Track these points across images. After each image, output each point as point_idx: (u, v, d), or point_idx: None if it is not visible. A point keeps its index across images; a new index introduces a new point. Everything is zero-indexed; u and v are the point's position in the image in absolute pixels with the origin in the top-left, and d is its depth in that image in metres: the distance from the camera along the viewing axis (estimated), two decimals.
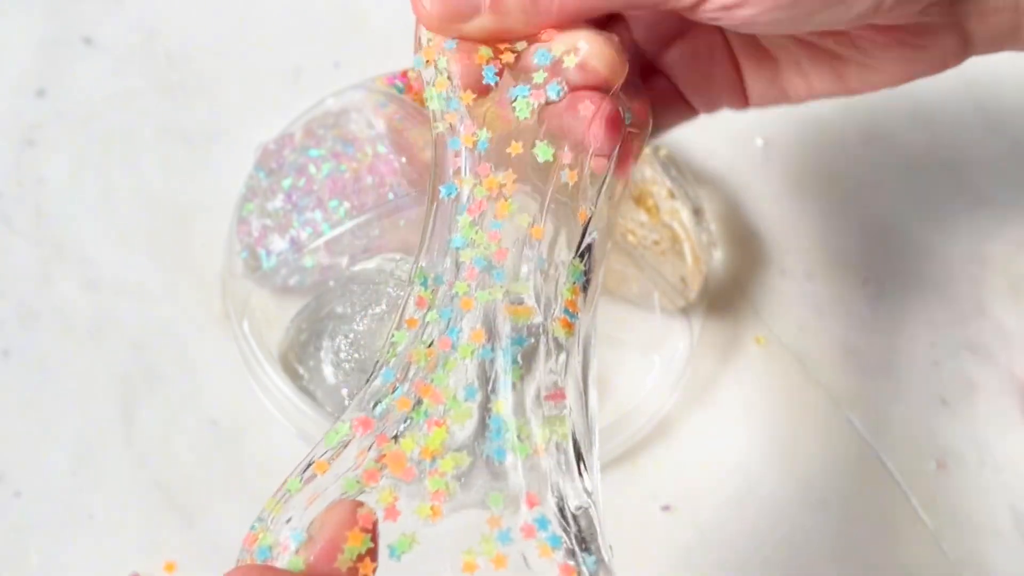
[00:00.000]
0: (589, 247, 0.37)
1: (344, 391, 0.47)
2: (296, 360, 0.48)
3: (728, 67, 0.40)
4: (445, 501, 0.31)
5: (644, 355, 0.51)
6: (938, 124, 0.59)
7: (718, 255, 0.53)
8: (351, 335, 0.47)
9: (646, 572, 0.46)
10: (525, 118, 0.35)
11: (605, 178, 0.37)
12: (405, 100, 0.50)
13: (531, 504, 0.32)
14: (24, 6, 0.58)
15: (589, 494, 0.33)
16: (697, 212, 0.52)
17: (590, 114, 0.35)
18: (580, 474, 0.34)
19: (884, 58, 0.37)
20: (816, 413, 0.50)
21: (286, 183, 0.49)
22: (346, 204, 0.48)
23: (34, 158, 0.54)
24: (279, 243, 0.48)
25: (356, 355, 0.47)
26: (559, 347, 0.35)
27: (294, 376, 0.48)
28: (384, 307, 0.46)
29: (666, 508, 0.48)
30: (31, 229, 0.52)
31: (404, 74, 0.51)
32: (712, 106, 0.41)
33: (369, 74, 0.52)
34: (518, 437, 0.33)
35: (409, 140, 0.49)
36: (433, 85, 0.36)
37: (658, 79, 0.41)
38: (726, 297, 0.53)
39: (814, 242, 0.55)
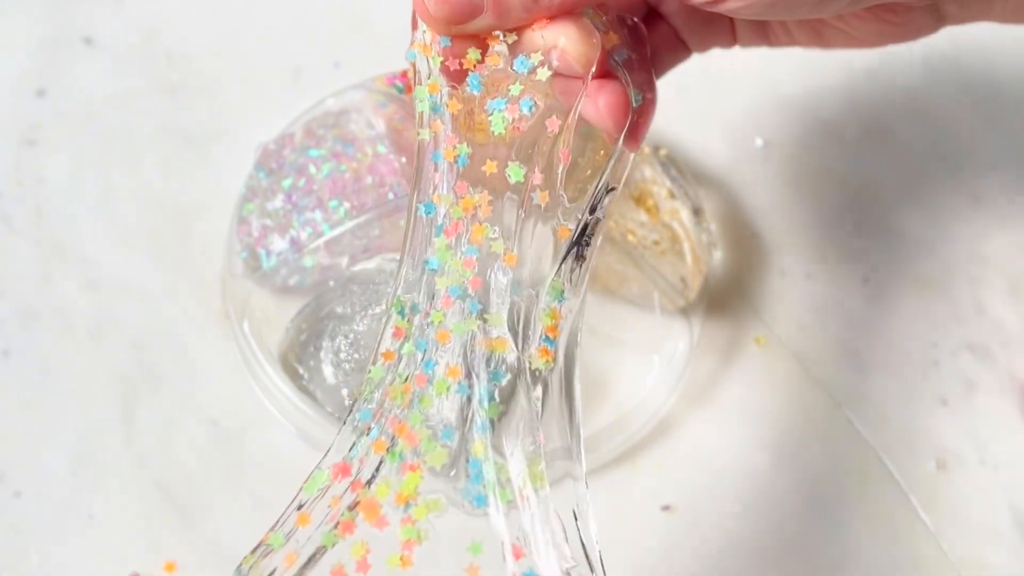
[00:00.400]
0: (578, 247, 0.36)
1: (344, 391, 0.47)
2: (296, 360, 0.48)
3: (723, 16, 0.42)
4: (416, 550, 0.31)
5: (644, 355, 0.51)
6: (938, 123, 0.59)
7: (718, 255, 0.53)
8: (351, 335, 0.47)
9: (646, 572, 0.46)
10: (500, 133, 0.34)
11: (597, 184, 0.36)
12: (405, 100, 0.50)
13: (517, 555, 0.31)
14: (24, 6, 0.58)
15: (584, 546, 0.32)
16: (697, 212, 0.52)
17: (556, 128, 0.34)
18: (575, 521, 0.32)
19: (862, 28, 0.40)
20: (816, 413, 0.50)
21: (286, 183, 0.49)
22: (346, 204, 0.48)
23: (34, 158, 0.54)
24: (279, 243, 0.48)
25: (356, 355, 0.47)
26: (536, 379, 0.34)
27: (294, 376, 0.48)
28: (384, 307, 0.46)
29: (666, 508, 0.48)
30: (31, 229, 0.52)
31: (404, 74, 0.51)
32: (705, 48, 0.44)
33: (369, 74, 0.52)
34: (498, 481, 0.32)
35: (409, 140, 0.49)
36: (425, 86, 0.35)
37: (659, 24, 0.43)
38: (726, 297, 0.53)
39: (814, 242, 0.55)
